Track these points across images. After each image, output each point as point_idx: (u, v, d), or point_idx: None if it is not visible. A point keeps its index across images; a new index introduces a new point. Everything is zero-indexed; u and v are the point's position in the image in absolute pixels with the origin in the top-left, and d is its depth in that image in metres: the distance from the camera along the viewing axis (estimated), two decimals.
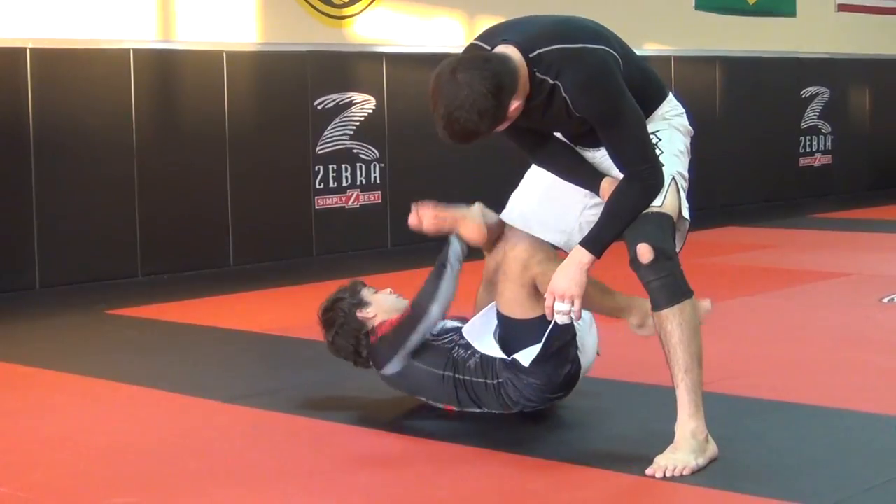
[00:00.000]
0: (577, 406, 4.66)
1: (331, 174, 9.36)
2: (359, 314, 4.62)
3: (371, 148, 9.59)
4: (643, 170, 3.94)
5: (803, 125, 13.20)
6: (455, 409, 4.52)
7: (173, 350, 6.12)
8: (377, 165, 9.64)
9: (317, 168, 9.28)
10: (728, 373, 5.22)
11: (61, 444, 4.42)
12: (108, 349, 6.15)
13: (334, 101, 9.36)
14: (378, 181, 9.65)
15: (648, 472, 3.90)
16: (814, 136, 13.41)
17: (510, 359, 4.34)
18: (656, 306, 3.96)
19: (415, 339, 4.46)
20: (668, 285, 3.93)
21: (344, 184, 9.45)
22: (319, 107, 9.28)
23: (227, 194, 8.78)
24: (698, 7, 12.03)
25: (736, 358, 5.53)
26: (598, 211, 4.16)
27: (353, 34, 9.57)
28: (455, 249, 4.50)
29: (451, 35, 10.16)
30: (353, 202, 9.52)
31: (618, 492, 3.84)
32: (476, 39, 4.08)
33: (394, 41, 9.78)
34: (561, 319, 3.99)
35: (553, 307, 3.96)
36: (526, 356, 4.30)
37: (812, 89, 13.31)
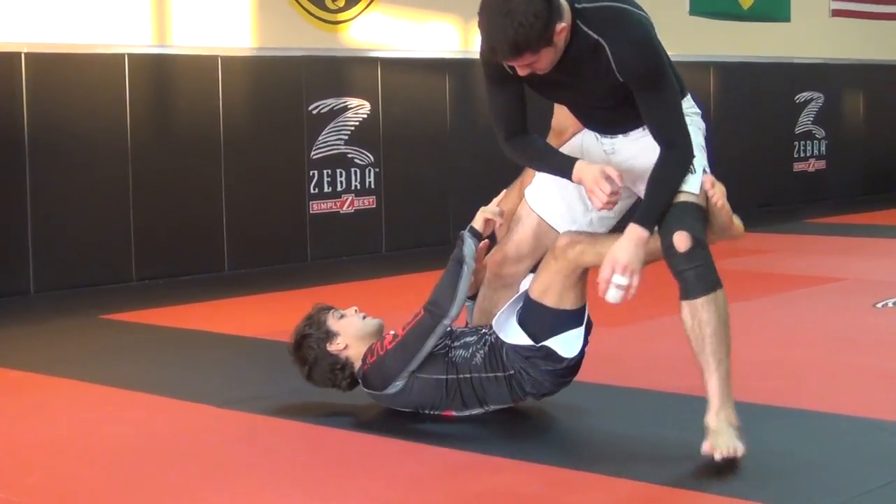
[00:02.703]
0: (573, 410, 4.67)
1: (325, 179, 9.36)
2: (329, 348, 4.59)
3: (366, 153, 9.60)
4: (680, 138, 4.00)
5: (797, 130, 13.23)
6: (455, 413, 4.52)
7: (168, 355, 6.11)
8: (372, 170, 9.64)
9: (311, 173, 9.28)
10: None
11: (57, 449, 4.41)
12: (103, 354, 6.15)
13: (329, 105, 9.36)
14: (372, 186, 9.66)
15: (705, 448, 3.95)
16: (808, 141, 13.43)
17: (539, 345, 4.36)
18: (691, 295, 3.99)
19: (430, 344, 4.43)
20: (704, 274, 3.98)
21: (338, 189, 9.46)
22: (314, 111, 9.29)
23: (221, 199, 8.79)
24: (692, 12, 12.05)
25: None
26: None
27: (348, 39, 9.58)
28: (469, 246, 4.46)
29: (446, 40, 10.16)
30: (348, 207, 9.53)
31: (617, 498, 3.84)
32: None
33: (388, 46, 9.78)
34: (614, 295, 3.99)
35: (610, 279, 3.97)
36: (559, 344, 4.33)
37: (806, 94, 13.33)
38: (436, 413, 4.53)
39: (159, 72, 8.58)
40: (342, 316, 4.64)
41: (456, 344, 4.48)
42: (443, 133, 10.10)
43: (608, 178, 4.00)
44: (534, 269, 4.64)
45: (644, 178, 4.14)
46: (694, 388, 4.94)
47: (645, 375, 5.00)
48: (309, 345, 4.61)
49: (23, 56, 7.90)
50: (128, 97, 8.33)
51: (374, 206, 9.68)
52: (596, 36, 3.88)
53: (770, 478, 3.93)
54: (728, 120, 12.26)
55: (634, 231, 3.99)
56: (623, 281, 3.96)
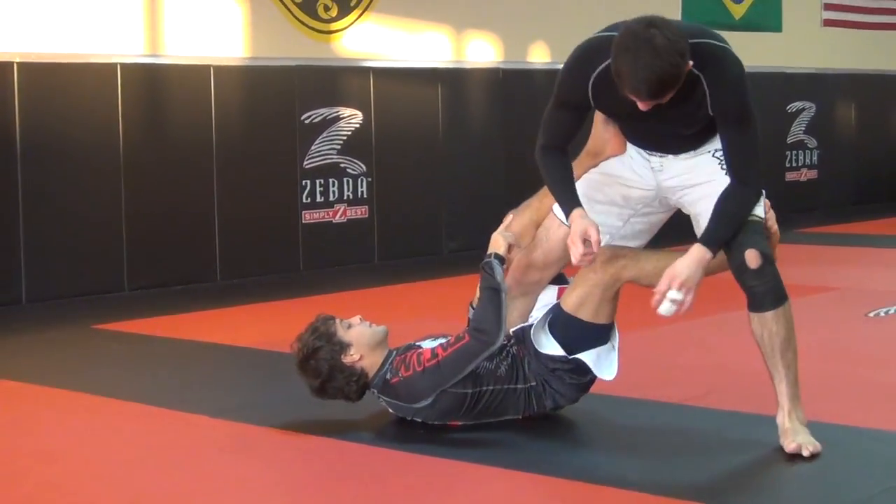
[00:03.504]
0: (566, 421, 4.67)
1: (318, 188, 9.36)
2: (344, 360, 4.54)
3: (358, 162, 9.60)
4: (754, 177, 4.21)
5: (789, 140, 13.25)
6: (460, 423, 4.53)
7: (160, 365, 6.11)
8: (364, 180, 9.65)
9: (304, 182, 9.29)
10: (714, 387, 5.24)
11: (49, 459, 4.41)
12: (95, 364, 6.14)
13: (322, 115, 9.37)
14: (365, 196, 9.66)
15: (792, 449, 4.16)
16: (800, 151, 13.45)
17: (571, 357, 4.46)
18: (761, 308, 4.21)
19: (470, 368, 4.44)
20: (774, 289, 4.21)
21: (331, 198, 9.46)
22: (307, 121, 9.29)
23: (214, 208, 8.78)
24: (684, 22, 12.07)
25: (722, 372, 5.54)
26: (646, 220, 4.52)
27: (341, 48, 9.59)
28: (500, 273, 4.48)
29: (438, 50, 10.18)
30: (341, 217, 9.53)
31: None
32: (608, 32, 4.14)
33: (381, 56, 9.79)
34: (667, 308, 4.12)
35: (666, 293, 4.11)
36: (591, 358, 4.46)
37: (798, 104, 13.36)
38: (441, 423, 4.54)
39: (152, 81, 8.58)
40: (350, 326, 4.59)
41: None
42: (435, 143, 10.11)
43: (585, 241, 4.17)
44: (553, 281, 4.70)
45: (687, 193, 4.37)
46: (688, 398, 4.96)
47: (637, 386, 5.00)
48: (322, 357, 4.53)
49: (15, 66, 7.89)
50: (120, 106, 8.33)
51: (367, 215, 9.69)
52: (697, 71, 4.00)
53: (761, 487, 3.94)
54: None
55: (699, 252, 4.16)
56: (678, 296, 4.12)
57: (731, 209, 4.19)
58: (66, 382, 5.64)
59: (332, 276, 9.06)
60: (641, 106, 3.96)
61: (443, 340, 4.58)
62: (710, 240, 4.17)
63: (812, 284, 7.94)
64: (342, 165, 9.51)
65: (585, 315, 4.45)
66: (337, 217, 9.50)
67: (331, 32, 9.51)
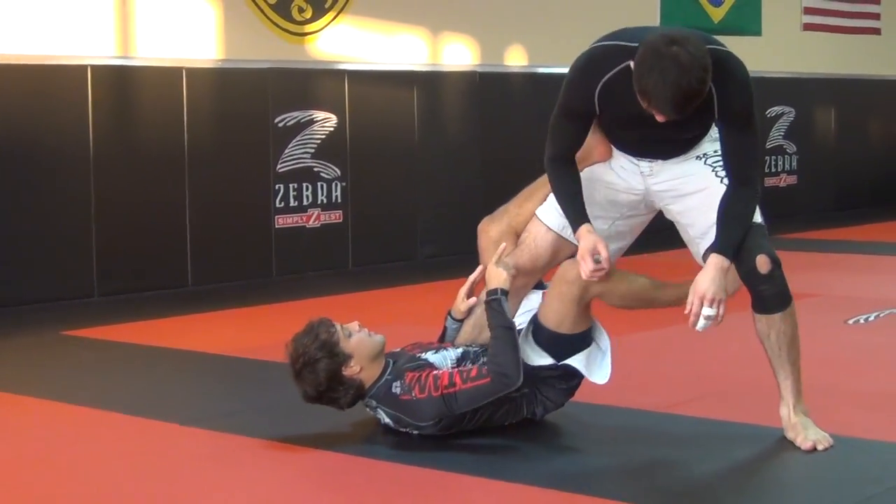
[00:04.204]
0: (548, 429, 4.68)
1: (291, 193, 9.35)
2: (345, 372, 4.48)
3: (332, 167, 9.59)
4: (756, 176, 4.37)
5: (768, 145, 13.29)
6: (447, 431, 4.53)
7: (131, 372, 6.09)
8: (338, 184, 9.64)
9: (277, 187, 9.27)
10: (696, 394, 5.26)
11: (18, 468, 4.39)
12: (65, 371, 6.12)
13: (295, 118, 9.36)
14: (339, 200, 9.65)
15: (807, 447, 4.30)
16: (779, 156, 13.50)
17: (560, 364, 4.50)
18: (769, 310, 4.38)
19: (484, 404, 4.44)
20: (782, 292, 4.39)
21: (305, 203, 9.45)
22: (280, 124, 9.28)
23: (185, 212, 8.76)
24: (663, 25, 12.10)
25: (703, 379, 5.56)
26: (629, 222, 4.58)
27: (315, 51, 9.58)
28: (509, 308, 4.48)
29: (414, 52, 10.18)
30: (314, 221, 9.52)
31: None
32: (614, 41, 4.20)
33: (356, 58, 9.79)
34: (703, 325, 4.21)
35: (700, 312, 4.20)
36: (580, 362, 4.50)
37: (777, 109, 13.41)
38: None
39: (123, 83, 8.56)
40: (350, 334, 4.53)
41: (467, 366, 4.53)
42: (410, 147, 10.11)
43: (594, 256, 4.26)
44: (537, 286, 4.72)
45: (678, 201, 4.44)
46: (670, 405, 4.98)
47: (619, 393, 5.01)
48: (322, 368, 4.46)
49: None
50: (90, 109, 8.30)
51: (341, 220, 9.68)
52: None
53: (743, 495, 3.95)
54: None
55: (717, 261, 4.24)
56: (712, 312, 4.21)
57: (737, 211, 4.28)
58: (35, 390, 5.61)
59: (306, 281, 9.05)
60: (660, 118, 4.01)
61: (453, 356, 4.58)
62: (724, 246, 4.26)
63: (791, 291, 7.94)
64: (316, 169, 9.50)
65: (566, 329, 4.48)
66: (310, 222, 9.49)
67: (305, 34, 9.51)
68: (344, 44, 9.72)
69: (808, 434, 4.37)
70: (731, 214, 4.28)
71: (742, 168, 4.29)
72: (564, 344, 4.50)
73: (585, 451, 4.50)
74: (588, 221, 4.33)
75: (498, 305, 4.45)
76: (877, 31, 14.75)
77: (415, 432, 4.52)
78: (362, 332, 4.55)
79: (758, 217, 4.40)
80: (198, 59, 8.88)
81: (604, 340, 4.59)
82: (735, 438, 4.55)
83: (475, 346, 4.65)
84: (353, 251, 9.74)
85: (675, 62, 3.87)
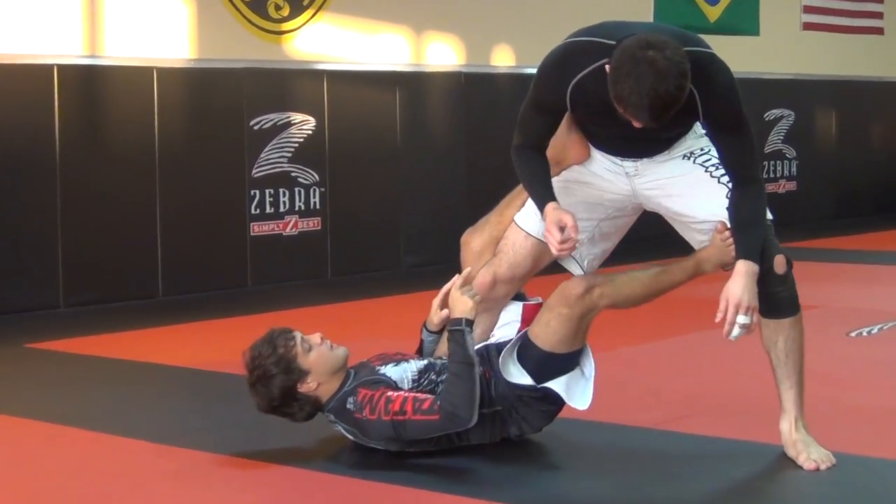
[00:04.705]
0: (533, 446, 4.67)
1: (267, 199, 9.34)
2: (301, 388, 4.47)
3: (310, 171, 9.59)
4: (758, 173, 4.42)
5: (767, 149, 13.32)
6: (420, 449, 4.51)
7: (98, 387, 6.07)
8: (317, 190, 9.64)
9: (252, 192, 9.26)
10: (690, 410, 5.25)
11: None
12: (29, 385, 6.10)
13: (272, 121, 9.35)
14: (318, 207, 9.65)
15: (810, 467, 4.31)
16: (778, 161, 13.53)
17: (539, 386, 4.47)
18: (781, 314, 4.41)
19: (429, 438, 4.43)
20: (794, 295, 4.44)
21: (281, 209, 9.44)
22: (256, 127, 9.27)
23: (156, 219, 8.75)
24: (656, 24, 12.10)
25: (698, 395, 5.55)
26: (614, 223, 4.59)
27: (293, 50, 9.57)
28: (472, 342, 4.40)
29: (397, 52, 10.18)
30: (291, 229, 9.51)
31: None
32: (591, 36, 4.18)
33: (336, 58, 9.79)
34: (737, 333, 4.23)
35: (735, 320, 4.21)
36: (560, 386, 4.48)
37: (776, 112, 13.44)
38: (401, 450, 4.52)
39: (91, 84, 8.54)
40: (310, 348, 4.50)
41: (441, 379, 4.48)
42: (393, 151, 10.11)
43: (561, 228, 4.21)
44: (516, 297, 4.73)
45: (672, 201, 4.43)
46: (662, 422, 4.97)
47: (609, 410, 5.00)
48: (276, 385, 4.45)
49: None
50: (56, 111, 8.29)
51: (319, 228, 9.67)
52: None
53: None
54: None
55: (745, 267, 4.26)
56: (747, 320, 4.23)
57: (750, 212, 4.31)
58: None
59: (282, 292, 9.04)
60: (636, 125, 4.00)
61: (414, 369, 4.54)
62: (748, 251, 4.27)
63: None
64: (293, 174, 9.49)
65: (561, 349, 4.47)
66: (287, 229, 9.48)
67: (282, 33, 9.50)
68: (323, 43, 9.72)
69: (810, 453, 4.37)
70: (745, 217, 4.30)
71: (742, 169, 4.31)
72: (552, 365, 4.48)
73: (573, 469, 4.49)
74: (555, 199, 4.29)
75: (461, 337, 4.35)
76: (880, 31, 14.80)
77: (377, 447, 4.51)
78: (324, 346, 4.52)
79: (769, 215, 4.43)
80: (169, 59, 8.87)
81: (589, 367, 4.56)
82: (731, 456, 4.54)
83: (442, 358, 4.61)
84: (332, 260, 9.73)
85: (652, 67, 3.84)
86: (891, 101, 14.87)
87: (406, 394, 4.40)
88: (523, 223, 4.62)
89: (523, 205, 4.65)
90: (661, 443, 4.76)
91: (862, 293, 8.74)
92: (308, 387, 4.48)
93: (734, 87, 4.21)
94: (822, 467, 4.32)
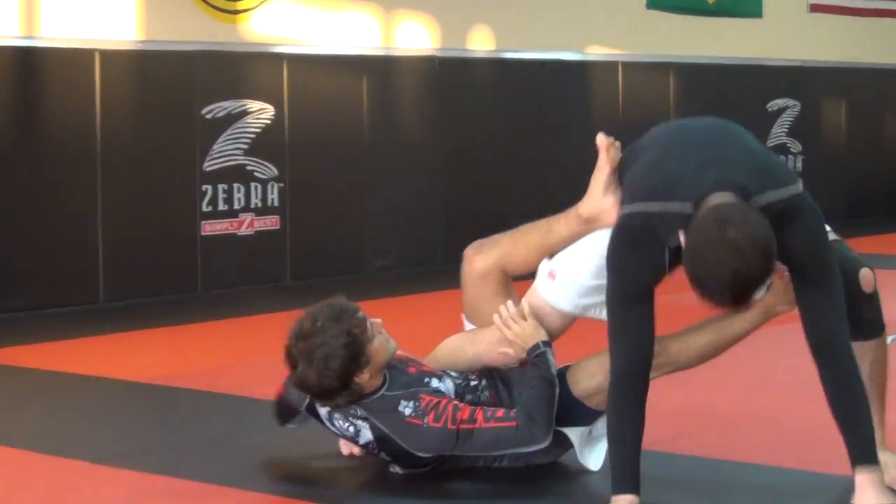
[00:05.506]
0: (531, 468, 4.70)
1: (220, 195, 9.34)
2: (357, 378, 4.43)
3: (268, 165, 9.59)
4: (847, 338, 4.11)
5: (770, 143, 13.37)
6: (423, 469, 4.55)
7: (31, 401, 6.07)
8: (275, 185, 9.64)
9: (204, 188, 9.26)
10: (684, 430, 5.27)
11: None
12: None
13: (226, 109, 9.35)
14: (276, 204, 9.65)
15: None
16: (782, 156, 13.58)
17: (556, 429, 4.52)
18: (867, 336, 4.33)
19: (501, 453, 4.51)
20: (880, 314, 4.38)
21: (236, 206, 9.44)
22: (208, 116, 9.27)
23: (97, 217, 8.74)
24: (651, 6, 12.15)
25: (689, 413, 5.58)
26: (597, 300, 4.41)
27: (249, 32, 9.58)
28: (553, 360, 4.53)
29: (364, 34, 10.19)
30: (247, 228, 9.51)
31: None
32: (663, 200, 3.99)
33: (296, 40, 9.79)
34: None
35: None
36: (576, 435, 4.58)
37: (780, 102, 13.49)
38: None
39: (26, 67, 8.53)
40: (377, 333, 4.51)
41: (483, 397, 4.61)
42: (360, 143, 10.12)
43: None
44: None
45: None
46: (655, 442, 4.99)
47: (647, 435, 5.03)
48: (337, 367, 4.39)
49: None
50: None
51: (278, 226, 9.67)
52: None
53: None
54: None
55: (869, 477, 4.06)
56: None
57: (856, 395, 4.10)
58: None
59: (236, 297, 9.04)
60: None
61: (449, 385, 4.59)
62: (864, 452, 4.07)
63: (794, 311, 7.97)
64: (249, 168, 9.50)
65: (593, 403, 4.54)
66: (243, 229, 9.48)
67: (237, 13, 9.50)
68: (283, 23, 9.73)
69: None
70: (850, 404, 4.08)
71: (832, 330, 4.08)
72: (576, 412, 4.56)
73: (563, 492, 4.52)
74: (636, 493, 4.03)
75: (543, 360, 4.50)
76: (893, 14, 14.87)
77: (389, 458, 4.54)
78: (382, 336, 4.54)
79: (832, 234, 4.28)
80: (113, 40, 8.86)
81: (600, 426, 4.59)
82: (728, 478, 4.58)
83: (458, 378, 4.64)
84: (291, 262, 9.74)
85: (733, 250, 3.72)
86: None
87: (473, 406, 4.48)
88: (552, 297, 4.59)
89: (544, 251, 4.62)
90: (653, 464, 4.76)
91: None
92: (362, 378, 4.45)
93: (823, 230, 4.10)
94: None
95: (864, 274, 4.29)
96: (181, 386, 6.14)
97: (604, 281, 4.20)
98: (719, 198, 3.85)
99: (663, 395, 4.97)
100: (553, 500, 4.46)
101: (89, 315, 8.40)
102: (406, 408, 4.47)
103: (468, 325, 4.78)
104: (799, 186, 4.09)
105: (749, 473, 4.67)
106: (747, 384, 6.19)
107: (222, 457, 4.83)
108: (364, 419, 4.53)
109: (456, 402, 4.49)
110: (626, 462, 4.05)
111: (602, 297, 4.22)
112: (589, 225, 4.52)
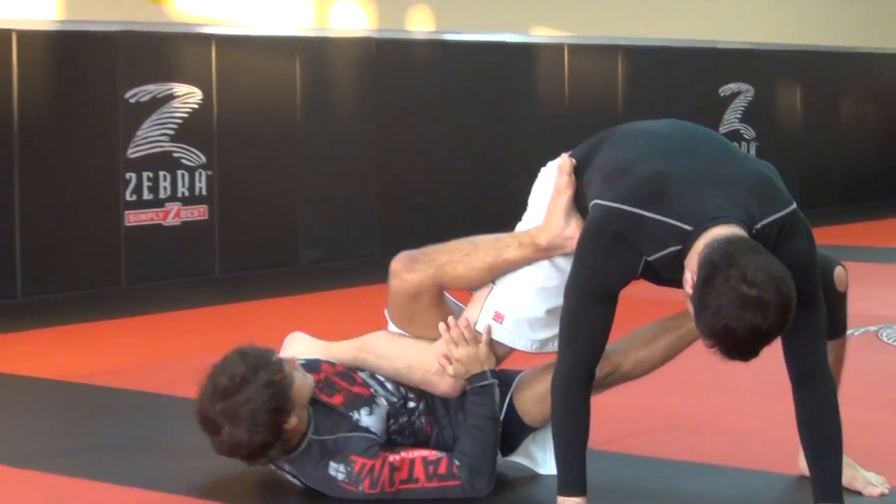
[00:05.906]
0: (516, 478, 4.72)
1: (145, 184, 9.31)
2: (286, 427, 4.27)
3: (196, 152, 9.57)
4: (829, 368, 4.09)
5: (722, 129, 13.44)
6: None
7: None
8: (203, 173, 9.62)
9: (128, 176, 9.22)
10: (633, 430, 5.32)
11: None
12: None
13: (151, 93, 9.32)
14: (204, 193, 9.63)
15: (877, 494, 4.35)
16: (735, 143, 13.64)
17: (505, 459, 4.60)
18: (840, 335, 4.40)
19: None
20: (846, 315, 4.41)
21: (161, 196, 9.41)
22: (132, 100, 9.24)
23: (13, 207, 8.69)
24: None
25: (643, 413, 5.61)
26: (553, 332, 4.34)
27: (175, 11, 9.54)
28: (498, 393, 4.50)
29: (297, 14, 10.17)
30: (173, 218, 9.48)
31: None
32: (665, 216, 3.90)
33: (225, 20, 9.77)
34: None
35: None
36: (527, 457, 4.68)
37: (733, 86, 13.56)
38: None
39: None
40: (300, 375, 4.37)
41: (415, 419, 4.59)
42: (292, 128, 10.10)
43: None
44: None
45: None
46: (603, 442, 5.03)
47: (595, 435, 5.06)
48: (265, 422, 4.22)
49: None
50: None
51: (206, 217, 9.65)
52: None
53: None
54: (638, 115, 12.35)
55: None
56: None
57: (832, 429, 4.07)
58: None
59: (162, 291, 9.02)
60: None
61: (380, 415, 4.48)
62: (832, 492, 4.03)
63: None
64: (176, 155, 9.47)
65: (540, 425, 4.59)
66: (169, 219, 9.46)
67: None
68: (211, 3, 9.70)
69: (868, 476, 4.40)
70: (822, 437, 4.07)
71: (815, 358, 4.06)
72: (523, 434, 4.62)
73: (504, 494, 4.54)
74: (583, 495, 4.05)
75: (488, 392, 4.44)
76: None
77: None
78: (298, 372, 4.39)
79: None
80: (31, 20, 8.81)
81: (544, 430, 4.64)
82: (677, 479, 4.63)
83: (394, 396, 4.56)
84: (220, 254, 9.72)
85: (759, 309, 3.65)
86: (863, 75, 15.06)
87: (409, 454, 4.40)
88: (503, 338, 4.52)
89: (486, 275, 4.50)
90: (600, 465, 4.80)
91: None
92: (290, 424, 4.29)
93: (814, 260, 4.02)
94: (887, 490, 4.36)
95: (839, 273, 4.32)
96: (105, 385, 6.12)
97: (557, 305, 4.19)
98: (728, 230, 3.79)
99: (611, 394, 5.02)
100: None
101: (6, 310, 8.36)
102: (338, 473, 4.35)
103: (392, 326, 4.69)
104: (793, 203, 4.06)
105: (698, 473, 4.71)
106: (696, 384, 6.23)
107: (149, 459, 4.83)
108: (285, 471, 4.44)
109: (391, 458, 4.35)
110: (573, 463, 4.05)
111: (556, 329, 4.18)
112: (547, 253, 4.43)
